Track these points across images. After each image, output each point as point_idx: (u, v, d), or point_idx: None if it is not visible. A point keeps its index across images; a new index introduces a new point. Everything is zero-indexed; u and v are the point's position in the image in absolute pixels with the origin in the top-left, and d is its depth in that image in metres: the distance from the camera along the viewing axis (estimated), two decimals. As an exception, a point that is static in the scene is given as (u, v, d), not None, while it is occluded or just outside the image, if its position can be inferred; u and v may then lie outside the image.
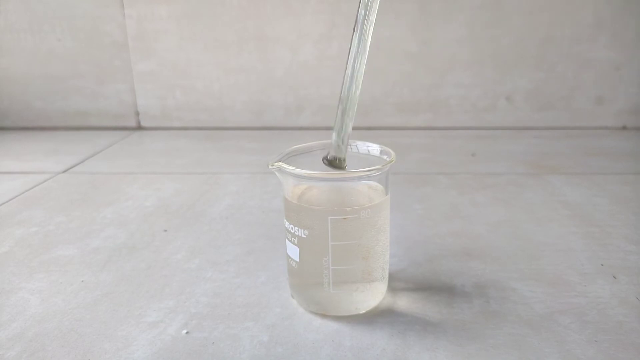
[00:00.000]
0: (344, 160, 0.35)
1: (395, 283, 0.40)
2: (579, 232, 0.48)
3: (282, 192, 0.35)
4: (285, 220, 0.35)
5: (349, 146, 0.38)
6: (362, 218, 0.33)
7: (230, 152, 0.81)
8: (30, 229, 0.52)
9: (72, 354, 0.32)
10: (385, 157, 0.35)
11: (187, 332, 0.34)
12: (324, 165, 0.35)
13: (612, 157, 0.73)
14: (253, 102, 0.96)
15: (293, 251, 0.35)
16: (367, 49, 0.32)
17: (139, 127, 0.99)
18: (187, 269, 0.43)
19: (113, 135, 0.93)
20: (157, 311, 0.37)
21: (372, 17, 0.31)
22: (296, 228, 0.34)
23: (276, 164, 0.34)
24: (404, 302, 0.37)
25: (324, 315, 0.36)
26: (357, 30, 0.31)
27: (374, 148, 0.37)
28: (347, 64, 0.32)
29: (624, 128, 0.91)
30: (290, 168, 0.33)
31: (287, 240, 0.35)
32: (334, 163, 0.35)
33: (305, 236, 0.34)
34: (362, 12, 0.31)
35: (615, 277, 0.40)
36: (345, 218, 0.33)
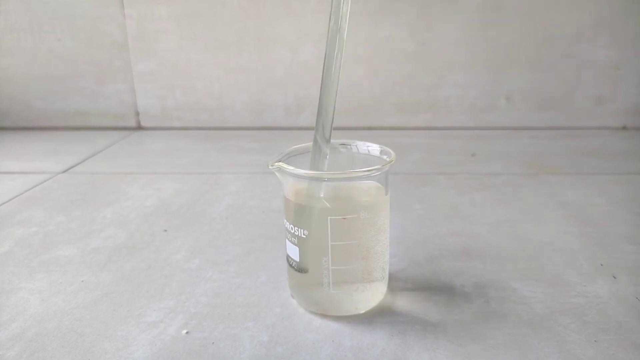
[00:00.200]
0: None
1: (395, 283, 0.40)
2: (579, 232, 0.48)
3: (282, 192, 0.35)
4: (285, 220, 0.35)
5: (349, 146, 0.38)
6: (362, 218, 0.33)
7: (230, 152, 0.81)
8: (30, 229, 0.52)
9: (72, 354, 0.32)
10: (385, 157, 0.35)
11: (187, 332, 0.34)
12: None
13: (611, 157, 0.73)
14: (253, 102, 0.96)
15: (293, 251, 0.35)
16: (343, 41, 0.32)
17: (139, 127, 0.99)
18: (187, 269, 0.43)
19: (113, 135, 0.93)
20: (157, 311, 0.37)
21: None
22: (296, 228, 0.34)
23: (276, 164, 0.34)
24: (404, 302, 0.37)
25: (324, 315, 0.36)
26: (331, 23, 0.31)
27: (374, 148, 0.37)
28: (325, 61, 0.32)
29: (624, 128, 0.91)
30: (290, 168, 0.33)
31: (287, 240, 0.35)
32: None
33: (305, 236, 0.34)
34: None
35: (615, 277, 0.40)
36: (345, 218, 0.33)
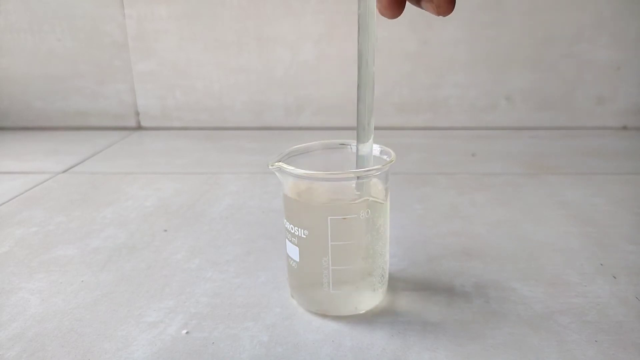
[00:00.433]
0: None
1: (395, 283, 0.40)
2: (579, 232, 0.48)
3: (282, 192, 0.35)
4: (285, 220, 0.35)
5: (348, 146, 0.38)
6: (362, 218, 0.33)
7: (230, 152, 0.81)
8: (30, 229, 0.52)
9: (72, 354, 0.32)
10: (385, 157, 0.35)
11: (187, 332, 0.34)
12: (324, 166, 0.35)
13: (611, 157, 0.73)
14: (253, 102, 0.96)
15: (293, 251, 0.35)
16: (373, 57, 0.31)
17: (139, 127, 0.99)
18: (187, 269, 0.43)
19: (113, 135, 0.93)
20: (157, 311, 0.37)
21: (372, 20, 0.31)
22: (296, 228, 0.34)
23: (276, 164, 0.34)
24: (404, 302, 0.37)
25: (324, 315, 0.36)
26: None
27: (374, 148, 0.37)
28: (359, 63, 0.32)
29: (624, 128, 0.91)
30: (290, 168, 0.33)
31: (287, 240, 0.35)
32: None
33: (305, 236, 0.34)
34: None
35: (615, 277, 0.40)
36: (345, 218, 0.33)
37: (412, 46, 0.90)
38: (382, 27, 0.87)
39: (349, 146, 0.38)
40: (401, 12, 0.28)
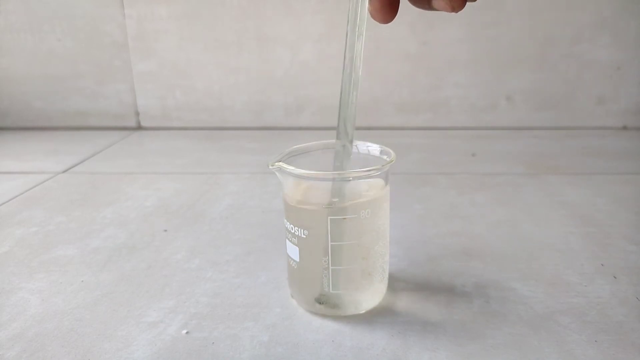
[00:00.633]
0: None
1: (395, 283, 0.40)
2: (579, 232, 0.48)
3: (282, 192, 0.35)
4: (285, 220, 0.35)
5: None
6: (362, 218, 0.33)
7: (230, 152, 0.81)
8: (30, 229, 0.52)
9: (72, 354, 0.32)
10: (385, 157, 0.35)
11: (187, 332, 0.34)
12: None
13: (612, 157, 0.73)
14: (253, 102, 0.96)
15: (293, 251, 0.35)
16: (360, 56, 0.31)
17: (139, 127, 0.99)
18: (187, 269, 0.43)
19: (113, 135, 0.93)
20: (157, 311, 0.37)
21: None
22: (296, 228, 0.34)
23: (276, 164, 0.34)
24: (404, 302, 0.37)
25: (324, 315, 0.36)
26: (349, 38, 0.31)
27: (374, 148, 0.37)
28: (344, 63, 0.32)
29: (625, 128, 0.91)
30: (290, 168, 0.33)
31: (287, 240, 0.35)
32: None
33: (305, 236, 0.34)
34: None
35: (615, 277, 0.40)
36: (345, 218, 0.33)
37: (412, 46, 0.90)
38: (383, 27, 0.87)
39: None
40: (394, 17, 0.28)
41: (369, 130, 0.92)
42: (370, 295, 0.36)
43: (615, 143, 0.82)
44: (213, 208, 0.57)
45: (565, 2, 0.86)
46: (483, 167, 0.70)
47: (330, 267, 0.34)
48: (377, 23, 0.29)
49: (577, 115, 0.91)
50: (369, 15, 0.29)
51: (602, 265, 0.42)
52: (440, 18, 0.87)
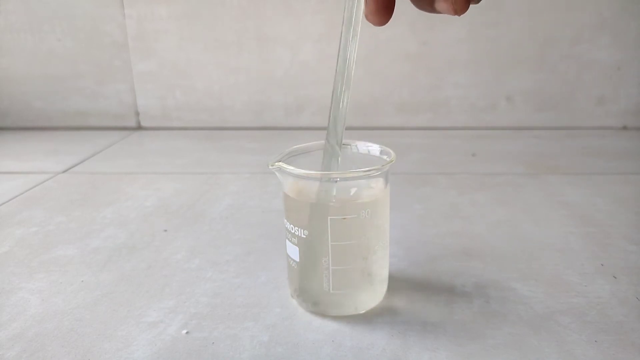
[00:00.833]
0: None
1: (395, 283, 0.40)
2: (579, 232, 0.48)
3: (282, 191, 0.35)
4: (285, 220, 0.35)
5: (349, 146, 0.38)
6: (362, 218, 0.33)
7: (230, 152, 0.81)
8: (30, 229, 0.52)
9: (72, 354, 0.32)
10: (385, 157, 0.35)
11: (187, 332, 0.34)
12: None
13: (612, 157, 0.73)
14: (253, 102, 0.96)
15: (293, 251, 0.35)
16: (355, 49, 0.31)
17: (139, 127, 0.99)
18: (187, 269, 0.43)
19: (113, 135, 0.93)
20: (157, 311, 0.37)
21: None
22: (296, 228, 0.34)
23: (276, 164, 0.34)
24: (404, 302, 0.37)
25: (324, 315, 0.36)
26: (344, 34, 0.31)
27: (374, 148, 0.37)
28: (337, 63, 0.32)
29: (625, 128, 0.91)
30: (290, 168, 0.33)
31: (287, 240, 0.35)
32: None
33: (305, 236, 0.34)
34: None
35: (615, 277, 0.40)
36: (345, 218, 0.33)
37: (412, 46, 0.90)
38: (383, 27, 0.87)
39: (349, 146, 0.38)
40: (388, 20, 0.28)
41: (369, 131, 0.92)
42: (370, 295, 0.36)
43: (615, 143, 0.82)
44: (213, 208, 0.57)
45: (565, 2, 0.86)
46: (483, 167, 0.70)
47: (331, 267, 0.34)
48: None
49: (577, 115, 0.91)
50: (364, 18, 0.29)
51: (602, 265, 0.42)
52: (441, 18, 0.87)
